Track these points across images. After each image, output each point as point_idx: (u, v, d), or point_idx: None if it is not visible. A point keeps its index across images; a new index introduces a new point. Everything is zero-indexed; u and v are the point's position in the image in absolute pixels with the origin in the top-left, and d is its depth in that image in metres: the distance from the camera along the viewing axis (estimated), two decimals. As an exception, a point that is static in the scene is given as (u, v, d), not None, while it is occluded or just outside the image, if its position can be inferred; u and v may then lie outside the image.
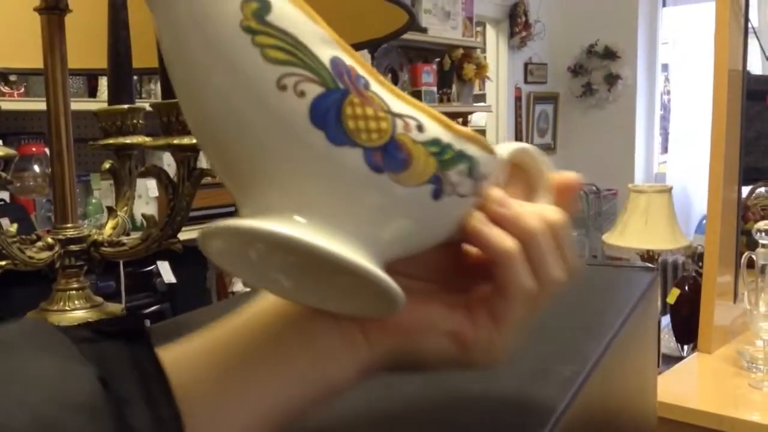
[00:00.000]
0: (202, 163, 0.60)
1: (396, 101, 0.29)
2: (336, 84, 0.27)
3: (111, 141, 0.68)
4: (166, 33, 0.29)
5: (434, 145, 0.29)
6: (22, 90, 2.33)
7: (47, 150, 2.28)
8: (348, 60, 0.28)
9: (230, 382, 0.31)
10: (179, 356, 0.31)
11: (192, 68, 0.28)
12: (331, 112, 0.27)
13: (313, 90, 0.27)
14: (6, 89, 2.29)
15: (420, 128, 0.29)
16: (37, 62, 0.69)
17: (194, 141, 0.59)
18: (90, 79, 2.49)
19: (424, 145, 0.29)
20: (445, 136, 0.29)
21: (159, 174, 0.63)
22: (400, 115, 0.28)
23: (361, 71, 0.28)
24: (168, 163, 2.03)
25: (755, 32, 1.96)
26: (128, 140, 0.67)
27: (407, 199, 0.29)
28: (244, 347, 0.32)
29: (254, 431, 0.31)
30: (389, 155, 0.28)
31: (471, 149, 0.30)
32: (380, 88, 0.28)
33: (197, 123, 0.30)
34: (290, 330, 0.32)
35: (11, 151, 0.59)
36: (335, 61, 0.27)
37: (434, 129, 0.29)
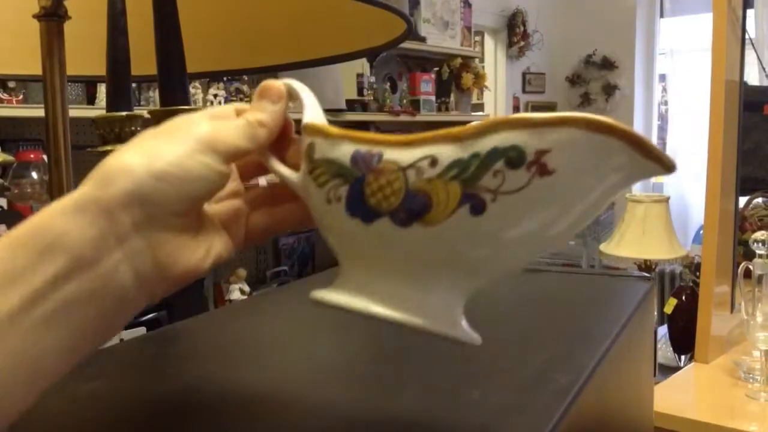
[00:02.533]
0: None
1: (408, 151, 0.30)
2: (353, 174, 0.32)
3: (109, 148, 0.68)
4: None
5: (453, 168, 0.29)
6: (21, 97, 2.33)
7: (45, 157, 2.28)
8: (364, 147, 0.32)
9: None
10: None
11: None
12: (357, 199, 0.32)
13: (342, 190, 0.32)
14: (5, 96, 2.29)
15: (433, 163, 0.29)
16: (35, 68, 0.69)
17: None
18: (88, 86, 2.49)
19: (440, 177, 0.29)
20: (466, 150, 0.29)
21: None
22: (411, 165, 0.30)
23: (375, 149, 0.31)
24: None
25: (752, 43, 1.97)
26: (126, 147, 0.67)
27: (448, 236, 0.30)
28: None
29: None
30: (409, 207, 0.30)
31: (504, 139, 0.28)
32: (393, 150, 0.31)
33: None
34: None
35: (9, 158, 0.59)
36: (354, 155, 0.32)
37: (450, 152, 0.29)
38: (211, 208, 0.38)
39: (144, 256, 0.31)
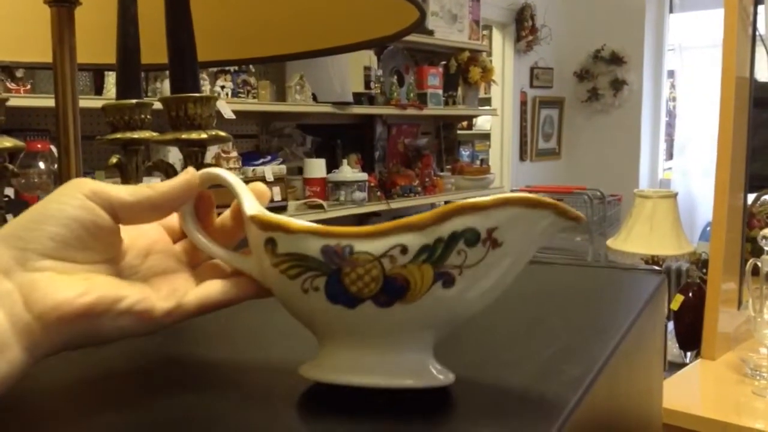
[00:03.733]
0: (213, 152, 0.60)
1: (378, 241, 0.34)
2: (329, 266, 0.35)
3: (119, 135, 0.67)
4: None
5: (423, 253, 0.34)
6: (29, 86, 2.33)
7: (52, 147, 2.28)
8: (333, 240, 0.35)
9: None
10: None
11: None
12: (337, 289, 0.35)
13: (320, 281, 0.35)
14: (12, 85, 2.29)
15: (404, 251, 0.34)
16: (45, 56, 0.69)
17: (203, 136, 0.59)
18: (96, 76, 2.50)
19: (413, 262, 0.34)
20: (429, 237, 0.34)
21: (167, 169, 0.63)
22: (384, 254, 0.34)
23: (344, 242, 0.34)
24: (173, 161, 2.03)
25: (762, 40, 1.95)
26: (136, 135, 0.67)
27: (426, 308, 0.35)
28: None
29: None
30: (389, 291, 0.34)
31: (459, 223, 0.33)
32: (362, 242, 0.34)
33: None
34: None
35: (19, 143, 0.58)
36: (324, 249, 0.35)
37: (416, 240, 0.34)
38: (142, 268, 0.40)
39: (13, 296, 0.33)
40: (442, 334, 0.38)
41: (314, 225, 0.35)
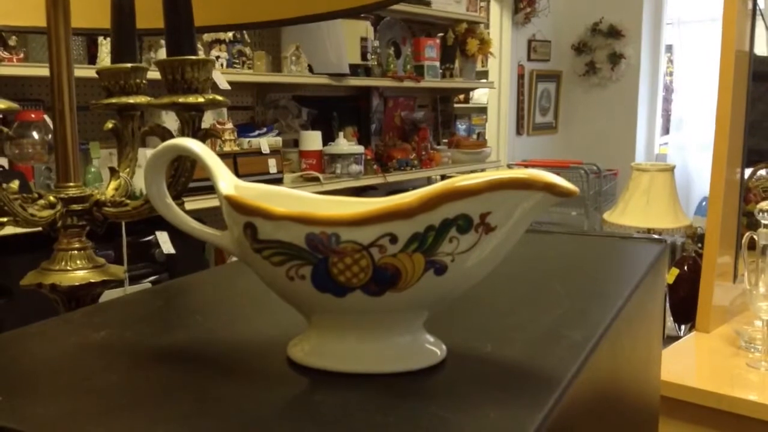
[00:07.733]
0: (207, 123, 0.60)
1: (365, 229, 0.32)
2: (315, 256, 0.33)
3: (114, 100, 0.66)
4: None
5: (413, 242, 0.32)
6: (22, 55, 2.30)
7: (46, 117, 2.26)
8: (317, 228, 0.33)
9: None
10: None
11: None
12: (325, 278, 0.34)
13: (306, 270, 0.34)
14: (5, 54, 2.26)
15: (394, 240, 0.32)
16: (39, 20, 0.68)
17: (200, 100, 0.58)
18: (90, 44, 2.46)
19: (403, 252, 0.33)
20: (420, 224, 0.32)
21: (163, 134, 0.62)
22: (373, 243, 0.33)
23: (329, 230, 0.33)
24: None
25: (761, 14, 1.93)
26: (131, 100, 0.66)
27: (418, 293, 0.34)
28: None
29: None
30: (379, 281, 0.33)
31: (451, 210, 0.32)
32: (349, 230, 0.33)
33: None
34: None
35: (13, 105, 0.57)
36: (309, 237, 0.33)
37: (406, 228, 0.32)
38: None
39: None
40: (434, 310, 0.37)
41: (296, 211, 0.34)
